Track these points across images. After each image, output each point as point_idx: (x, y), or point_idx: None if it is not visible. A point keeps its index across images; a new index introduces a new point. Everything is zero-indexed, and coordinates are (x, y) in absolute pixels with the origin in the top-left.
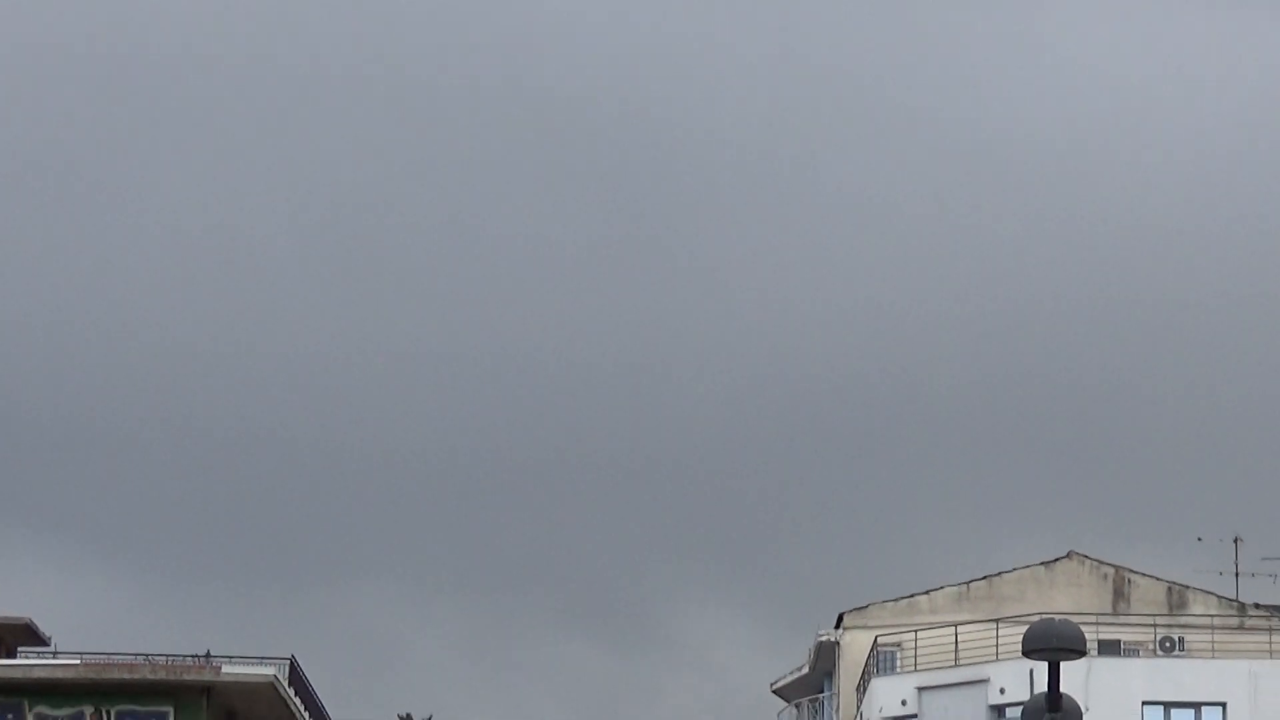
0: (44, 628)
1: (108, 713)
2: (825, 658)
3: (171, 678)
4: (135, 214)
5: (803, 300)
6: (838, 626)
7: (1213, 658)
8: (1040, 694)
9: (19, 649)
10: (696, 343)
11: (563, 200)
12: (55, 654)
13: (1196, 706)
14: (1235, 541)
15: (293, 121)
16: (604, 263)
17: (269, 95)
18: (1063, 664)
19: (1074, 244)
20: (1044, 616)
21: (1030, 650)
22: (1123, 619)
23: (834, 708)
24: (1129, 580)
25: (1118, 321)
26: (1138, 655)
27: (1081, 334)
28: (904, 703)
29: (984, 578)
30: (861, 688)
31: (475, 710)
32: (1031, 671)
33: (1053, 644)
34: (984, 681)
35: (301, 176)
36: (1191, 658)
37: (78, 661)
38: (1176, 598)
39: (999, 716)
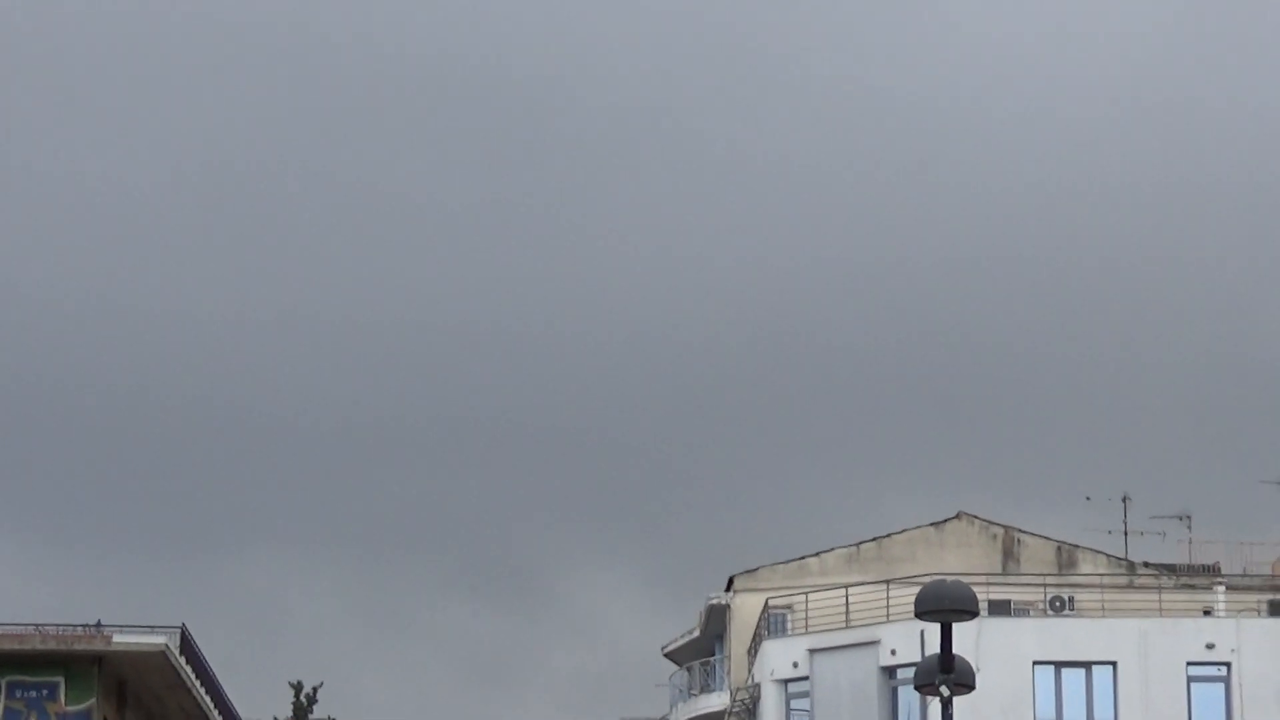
0: None
1: None
2: (716, 621)
3: (62, 648)
4: (18, 167)
5: (691, 260)
6: (728, 589)
7: (1103, 617)
8: (933, 655)
9: None
10: (584, 303)
11: (452, 161)
12: None
13: (1087, 666)
14: (1124, 500)
15: (180, 77)
16: (494, 224)
17: (158, 51)
18: (954, 625)
19: (963, 202)
20: (935, 577)
21: (922, 612)
22: (1012, 579)
23: (725, 670)
24: (1018, 540)
25: (1006, 281)
26: (1028, 615)
27: (970, 294)
28: (795, 665)
29: (874, 539)
30: (753, 650)
31: (366, 675)
32: (923, 632)
33: (944, 605)
34: (875, 643)
35: (187, 133)
36: (1081, 617)
37: None
38: (1066, 557)
39: (890, 678)
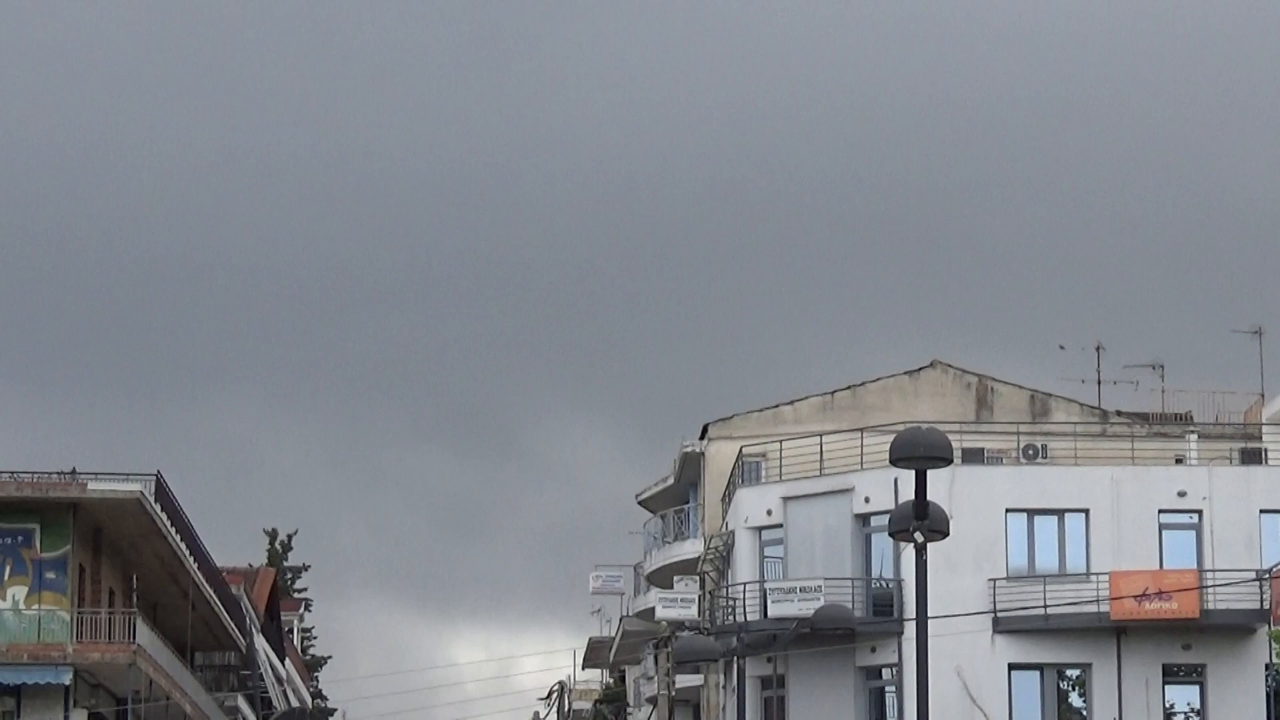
0: None
1: None
2: (690, 468)
3: (37, 495)
4: None
5: (667, 104)
6: (702, 437)
7: (1075, 465)
8: (907, 502)
9: None
10: (558, 147)
11: (411, 4)
12: None
13: (1059, 513)
14: (1097, 349)
15: None
16: (455, 67)
17: None
18: (928, 472)
19: (940, 47)
20: (909, 426)
21: (897, 459)
22: (986, 427)
23: (699, 518)
24: (992, 389)
25: (982, 128)
26: (1001, 463)
27: (948, 142)
28: (769, 513)
29: (848, 387)
30: (726, 498)
31: (340, 522)
32: (896, 480)
33: (919, 452)
34: (849, 491)
35: None
36: (1054, 465)
37: None
38: (1039, 406)
39: (864, 525)
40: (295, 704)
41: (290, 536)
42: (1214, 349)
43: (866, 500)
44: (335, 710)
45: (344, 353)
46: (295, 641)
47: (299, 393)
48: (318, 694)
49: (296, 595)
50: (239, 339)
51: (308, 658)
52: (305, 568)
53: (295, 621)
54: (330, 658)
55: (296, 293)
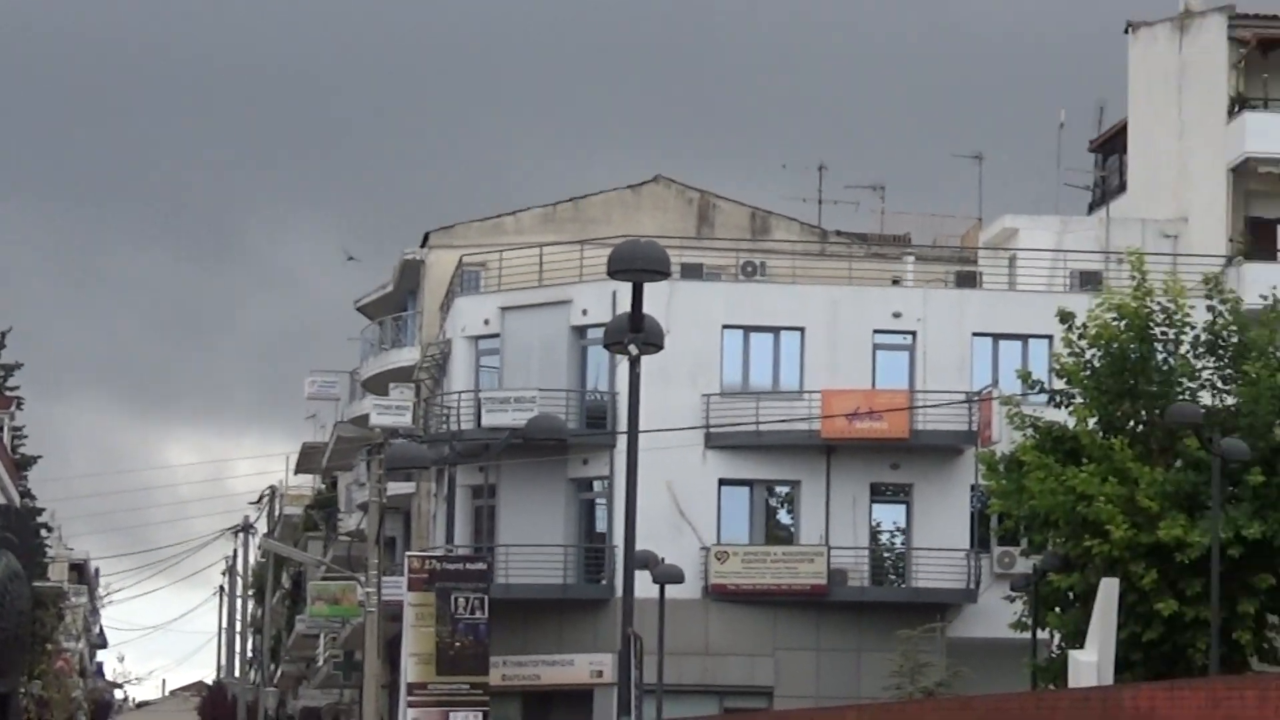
0: None
1: None
2: (410, 276)
3: None
4: None
5: None
6: (423, 245)
7: (793, 283)
8: (622, 315)
9: None
10: None
11: None
12: None
13: (775, 331)
14: (819, 169)
15: None
16: None
17: None
18: (646, 286)
19: None
20: (629, 239)
21: (614, 271)
22: (706, 243)
23: (417, 326)
24: (714, 205)
25: None
26: (720, 279)
27: None
28: (487, 322)
29: (570, 199)
30: (445, 307)
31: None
32: (615, 293)
33: (637, 265)
34: (567, 303)
35: None
36: (772, 283)
37: None
38: (760, 223)
39: (581, 337)
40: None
41: (4, 334)
42: (934, 172)
43: (584, 313)
44: (44, 510)
45: (62, 153)
46: (4, 440)
47: (14, 192)
48: (26, 493)
49: (8, 394)
50: None
51: (17, 456)
52: (18, 365)
53: (5, 420)
54: (40, 457)
55: (16, 85)
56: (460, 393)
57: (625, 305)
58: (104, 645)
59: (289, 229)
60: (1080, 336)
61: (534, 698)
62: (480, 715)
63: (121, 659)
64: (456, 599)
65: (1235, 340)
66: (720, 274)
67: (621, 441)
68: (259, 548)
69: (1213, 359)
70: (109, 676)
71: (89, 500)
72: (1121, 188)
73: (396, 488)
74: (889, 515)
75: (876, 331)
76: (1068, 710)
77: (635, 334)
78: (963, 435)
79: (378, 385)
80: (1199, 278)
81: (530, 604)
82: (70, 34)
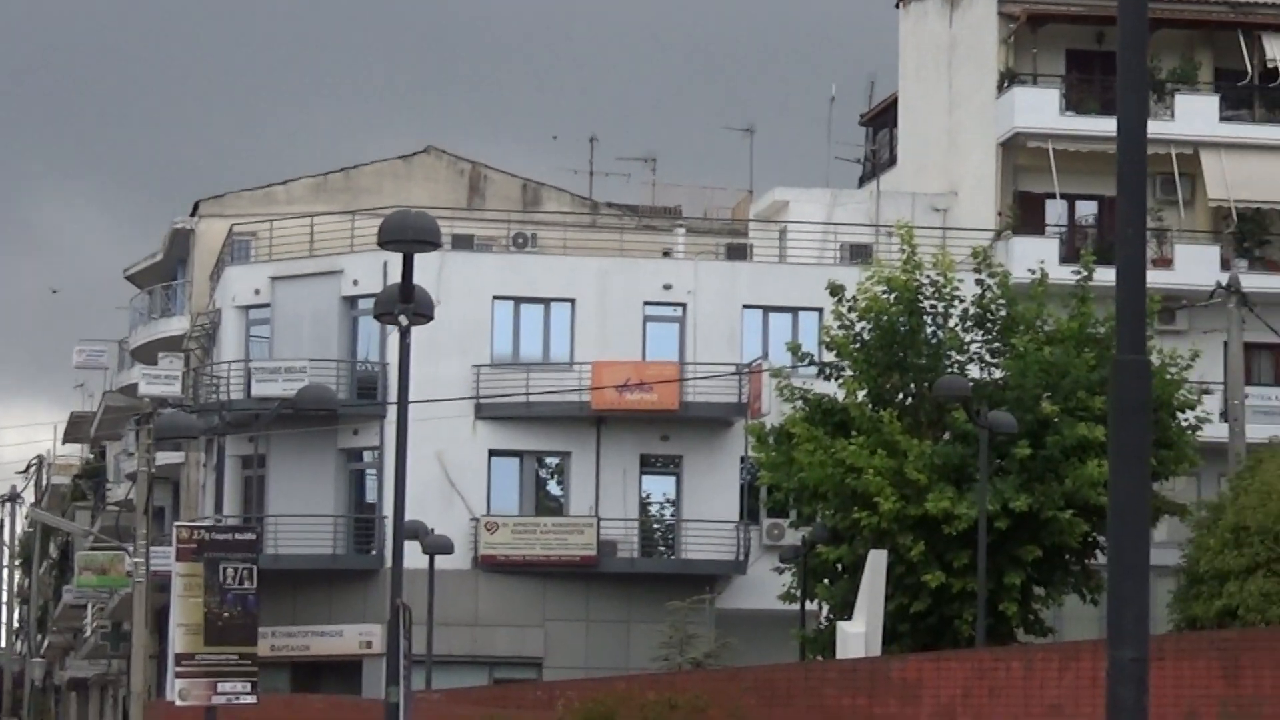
0: None
1: None
2: (180, 245)
3: None
4: None
5: None
6: (194, 214)
7: (564, 254)
8: (392, 285)
9: None
10: None
11: None
12: None
13: (546, 302)
14: (590, 141)
15: None
16: None
17: None
18: (416, 256)
19: None
20: (400, 209)
21: (385, 241)
22: (478, 214)
23: (186, 295)
24: (485, 176)
25: None
26: (491, 250)
27: None
28: (257, 292)
29: (341, 169)
30: (216, 276)
31: None
32: (385, 264)
33: (407, 235)
34: (338, 273)
35: None
36: (543, 254)
37: None
38: (531, 195)
39: (352, 308)
40: None
41: None
42: (706, 145)
43: (355, 283)
44: None
45: None
46: None
47: None
48: None
49: None
50: None
51: None
52: None
53: None
54: None
55: None
56: (230, 362)
57: (396, 276)
58: None
59: (57, 197)
60: (850, 309)
61: (303, 668)
62: (249, 686)
63: None
64: (225, 569)
65: (1003, 314)
66: (491, 245)
67: (392, 412)
68: (26, 517)
69: (981, 332)
70: None
71: None
72: (892, 161)
73: (165, 457)
74: (659, 487)
75: (647, 303)
76: (836, 681)
77: (405, 305)
78: (732, 407)
79: (147, 354)
80: (968, 251)
81: (300, 574)
82: None
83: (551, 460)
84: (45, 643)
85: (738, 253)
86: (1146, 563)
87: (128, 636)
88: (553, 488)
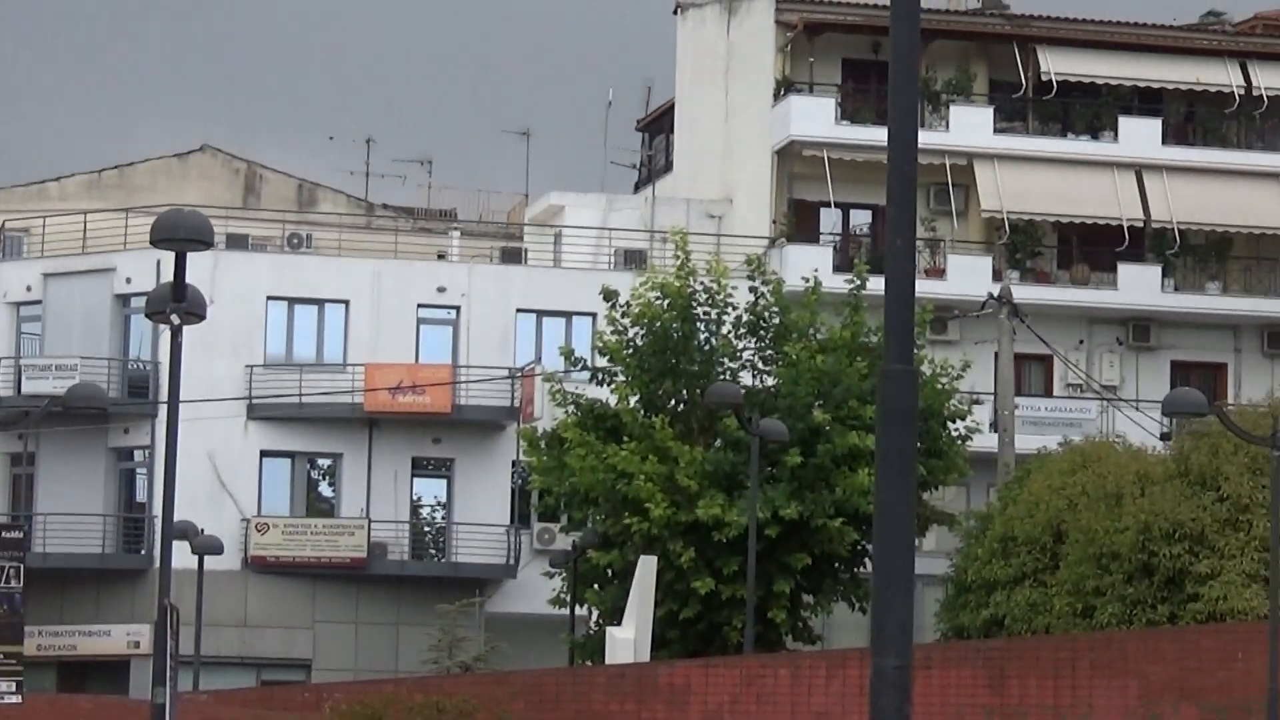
0: None
1: None
2: None
3: None
4: None
5: None
6: None
7: (339, 256)
8: (165, 284)
9: None
10: None
11: None
12: None
13: (320, 303)
14: (367, 142)
15: None
16: None
17: None
18: (190, 255)
19: None
20: (173, 208)
21: (158, 240)
22: (252, 214)
23: None
24: (261, 176)
25: None
26: (265, 250)
27: None
28: (29, 289)
29: (116, 167)
30: None
31: None
32: (159, 262)
33: (180, 234)
34: (111, 270)
35: None
36: (318, 255)
37: None
38: (307, 195)
39: (124, 306)
40: None
41: None
42: (482, 148)
43: (128, 281)
44: None
45: None
46: None
47: None
48: None
49: None
50: None
51: None
52: None
53: None
54: None
55: None
56: (0, 359)
57: (169, 274)
58: None
59: None
60: (624, 315)
61: (70, 668)
62: (14, 685)
63: None
64: None
65: (776, 322)
66: (266, 245)
67: (163, 411)
68: None
69: (754, 340)
70: None
71: None
72: (668, 167)
73: None
74: (430, 489)
75: (421, 306)
76: (604, 686)
77: (177, 303)
78: (505, 411)
79: None
80: (742, 259)
81: (68, 573)
82: None
83: (323, 461)
84: None
85: (512, 256)
86: (911, 571)
87: None
88: (324, 489)
